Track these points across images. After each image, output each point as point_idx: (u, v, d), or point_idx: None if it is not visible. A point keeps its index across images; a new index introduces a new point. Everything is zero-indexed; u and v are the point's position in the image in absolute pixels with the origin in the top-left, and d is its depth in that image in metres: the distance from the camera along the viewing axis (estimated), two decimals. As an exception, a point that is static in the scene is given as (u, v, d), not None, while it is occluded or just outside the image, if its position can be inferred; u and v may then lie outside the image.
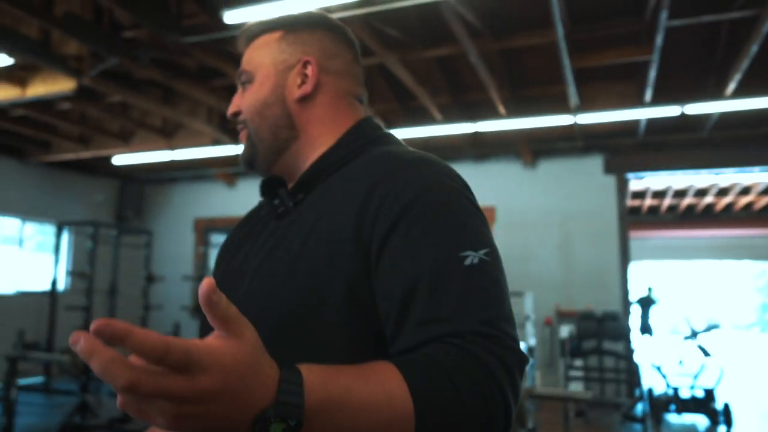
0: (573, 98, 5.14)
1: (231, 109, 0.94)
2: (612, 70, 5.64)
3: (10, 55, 4.37)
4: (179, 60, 5.33)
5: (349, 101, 0.92)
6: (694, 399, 5.79)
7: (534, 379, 5.27)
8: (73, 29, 4.14)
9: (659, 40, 3.96)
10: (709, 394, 5.74)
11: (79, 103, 5.89)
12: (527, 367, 0.78)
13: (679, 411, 5.83)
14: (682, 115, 5.57)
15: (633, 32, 4.76)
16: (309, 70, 0.89)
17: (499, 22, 4.72)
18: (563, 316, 7.00)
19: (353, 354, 0.70)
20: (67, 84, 4.90)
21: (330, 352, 0.72)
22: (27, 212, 7.76)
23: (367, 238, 0.74)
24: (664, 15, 3.56)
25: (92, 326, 0.46)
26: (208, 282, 0.51)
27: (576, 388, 6.30)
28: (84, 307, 6.77)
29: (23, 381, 7.01)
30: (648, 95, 5.10)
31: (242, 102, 0.92)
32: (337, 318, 0.73)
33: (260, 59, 0.91)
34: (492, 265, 0.72)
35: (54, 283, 6.76)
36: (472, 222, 0.75)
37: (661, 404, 5.82)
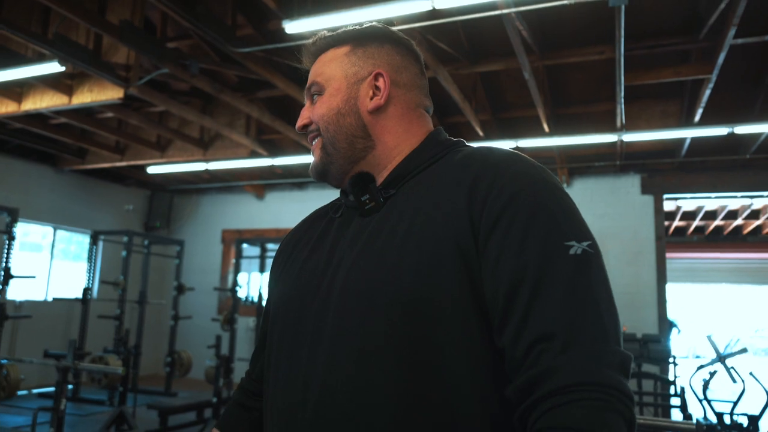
0: (620, 117, 5.08)
1: (300, 122, 0.94)
2: (654, 89, 5.60)
3: (63, 63, 4.38)
4: (221, 71, 5.35)
5: (420, 113, 0.94)
6: (737, 426, 5.63)
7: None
8: (128, 38, 4.15)
9: (721, 58, 3.90)
10: (753, 421, 5.58)
11: (120, 111, 5.90)
12: None
13: (721, 438, 5.67)
14: (729, 136, 5.49)
15: (683, 51, 4.73)
16: (380, 82, 0.91)
17: (546, 38, 4.70)
18: (596, 337, 6.89)
19: (463, 333, 0.73)
20: (114, 93, 4.91)
21: (442, 335, 0.73)
22: (59, 220, 7.77)
23: (476, 222, 0.75)
24: (732, 33, 3.51)
25: None
26: None
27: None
28: (116, 316, 6.74)
29: (48, 389, 6.98)
30: (698, 115, 5.04)
31: (313, 113, 0.93)
32: (450, 298, 0.74)
33: (331, 72, 0.92)
34: (595, 257, 0.74)
35: (87, 291, 6.74)
36: (572, 215, 0.77)
37: (704, 431, 5.66)
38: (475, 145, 0.93)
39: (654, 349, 5.56)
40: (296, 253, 0.95)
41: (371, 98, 0.90)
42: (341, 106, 0.90)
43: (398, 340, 0.73)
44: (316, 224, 0.97)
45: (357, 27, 0.97)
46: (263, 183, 8.63)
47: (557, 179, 0.82)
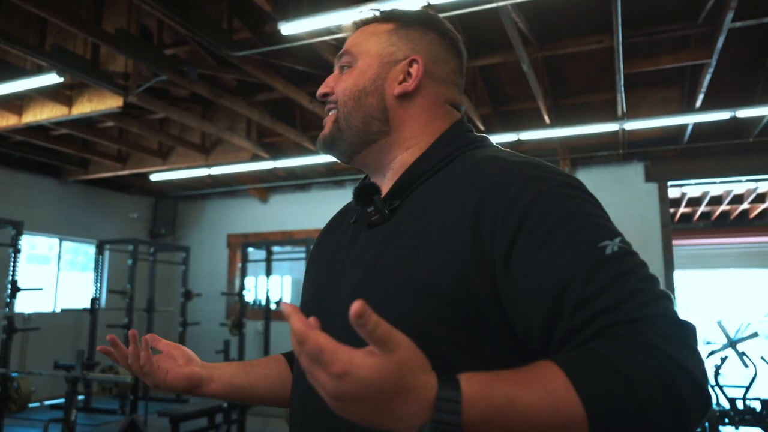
0: (621, 105, 5.05)
1: (322, 89, 0.91)
2: (654, 76, 5.56)
3: (61, 74, 4.39)
4: (220, 76, 5.34)
5: (447, 109, 0.90)
6: (750, 411, 5.61)
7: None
8: (125, 46, 4.15)
9: (720, 42, 3.87)
10: (766, 405, 5.55)
11: (121, 120, 5.91)
12: None
13: (734, 424, 5.65)
14: (731, 120, 5.45)
15: (682, 36, 4.69)
16: (414, 69, 0.87)
17: (544, 29, 4.68)
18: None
19: (464, 353, 0.70)
20: (113, 102, 4.92)
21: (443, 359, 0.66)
22: (64, 231, 7.80)
23: (488, 248, 0.71)
24: (729, 16, 3.48)
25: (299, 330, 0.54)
26: (359, 305, 0.53)
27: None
28: (124, 325, 6.75)
29: (60, 401, 7.00)
30: (699, 100, 5.00)
31: (337, 84, 0.90)
32: (450, 329, 0.71)
33: (366, 46, 0.90)
34: (629, 251, 0.70)
35: (95, 301, 6.75)
36: (596, 214, 0.73)
37: (715, 417, 5.64)
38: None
39: (664, 337, 5.52)
40: (322, 255, 0.94)
41: (400, 83, 0.87)
42: (367, 84, 0.87)
43: None
44: (338, 229, 0.95)
45: (408, 9, 0.93)
46: (266, 186, 8.63)
47: (573, 179, 0.77)
